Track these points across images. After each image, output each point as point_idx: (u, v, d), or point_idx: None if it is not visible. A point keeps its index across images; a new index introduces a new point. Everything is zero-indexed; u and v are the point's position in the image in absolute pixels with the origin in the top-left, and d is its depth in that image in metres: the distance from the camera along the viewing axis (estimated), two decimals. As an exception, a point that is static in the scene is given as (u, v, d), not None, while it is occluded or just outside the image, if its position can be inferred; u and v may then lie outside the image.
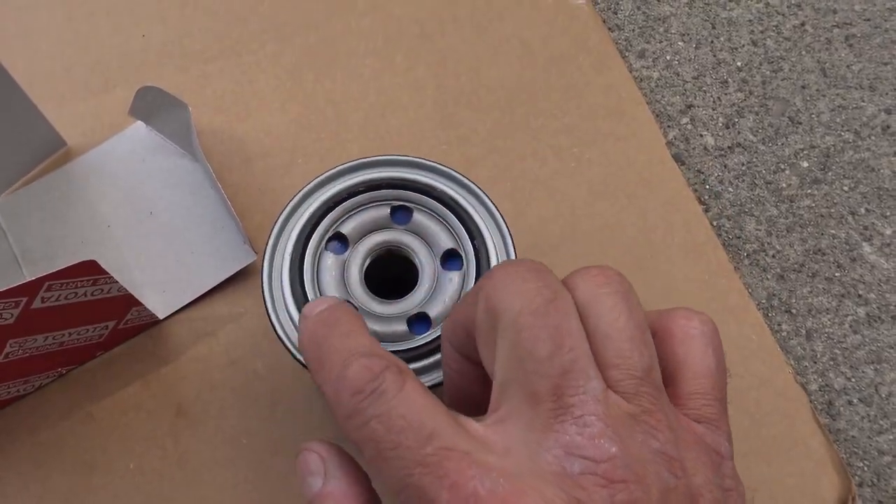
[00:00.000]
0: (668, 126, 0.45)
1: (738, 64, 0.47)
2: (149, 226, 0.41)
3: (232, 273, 0.39)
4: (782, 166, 0.44)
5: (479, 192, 0.30)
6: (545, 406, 0.18)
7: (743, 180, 0.44)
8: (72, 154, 0.43)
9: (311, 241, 0.29)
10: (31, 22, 0.46)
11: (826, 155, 0.44)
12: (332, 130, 0.43)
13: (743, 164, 0.44)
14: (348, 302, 0.29)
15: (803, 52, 0.47)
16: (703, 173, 0.44)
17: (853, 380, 0.39)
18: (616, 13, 0.48)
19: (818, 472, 0.35)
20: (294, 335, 0.28)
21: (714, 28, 0.48)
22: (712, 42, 0.47)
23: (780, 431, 0.36)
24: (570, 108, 0.44)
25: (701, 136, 0.45)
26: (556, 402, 0.18)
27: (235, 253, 0.39)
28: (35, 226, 0.41)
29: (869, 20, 0.48)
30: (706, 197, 0.43)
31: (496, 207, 0.30)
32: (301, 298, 0.28)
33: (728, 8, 0.48)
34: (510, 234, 0.30)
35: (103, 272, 0.31)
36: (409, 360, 0.27)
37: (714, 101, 0.46)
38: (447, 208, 0.30)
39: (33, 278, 0.28)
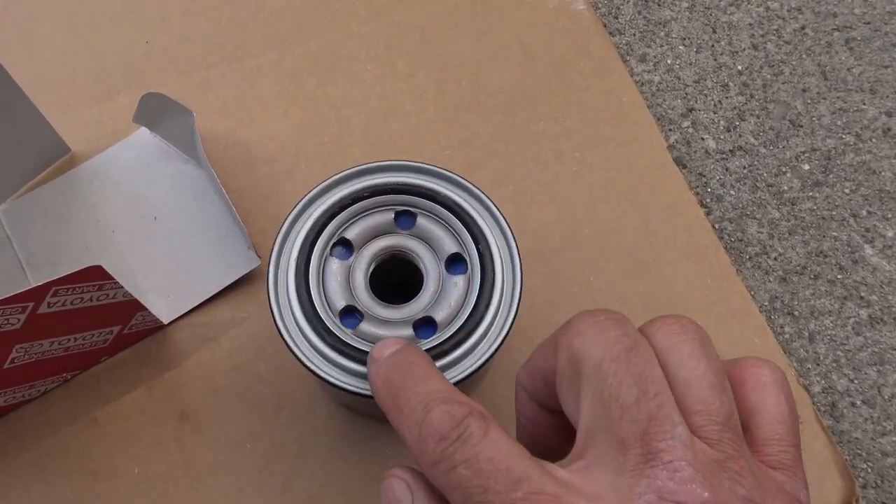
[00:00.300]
0: (670, 130, 0.45)
1: (739, 67, 0.47)
2: (153, 231, 0.41)
3: (236, 278, 0.39)
4: (784, 169, 0.44)
5: (482, 197, 0.30)
6: (634, 451, 0.19)
7: (744, 183, 0.44)
8: (76, 160, 0.43)
9: (316, 246, 0.30)
10: (34, 30, 0.47)
11: (827, 158, 0.44)
12: (334, 135, 0.43)
13: (744, 168, 0.44)
14: (355, 308, 0.29)
15: (804, 56, 0.47)
16: (704, 177, 0.44)
17: (856, 382, 0.39)
18: (617, 18, 0.49)
19: (822, 474, 0.35)
20: (300, 341, 0.28)
21: (715, 32, 0.48)
22: (713, 46, 0.48)
23: (783, 434, 0.36)
24: (571, 112, 0.44)
25: (702, 139, 0.45)
26: (644, 448, 0.19)
27: (239, 258, 0.39)
28: (39, 231, 0.41)
29: (869, 23, 0.48)
30: (708, 200, 0.43)
31: (500, 211, 0.30)
32: (307, 304, 0.28)
33: (728, 12, 0.49)
34: (514, 239, 0.30)
35: (109, 277, 0.31)
36: None
37: (715, 105, 0.46)
38: (451, 213, 0.30)
39: (40, 283, 0.29)
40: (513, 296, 0.29)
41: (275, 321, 0.28)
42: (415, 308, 0.29)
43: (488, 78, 0.45)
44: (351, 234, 0.30)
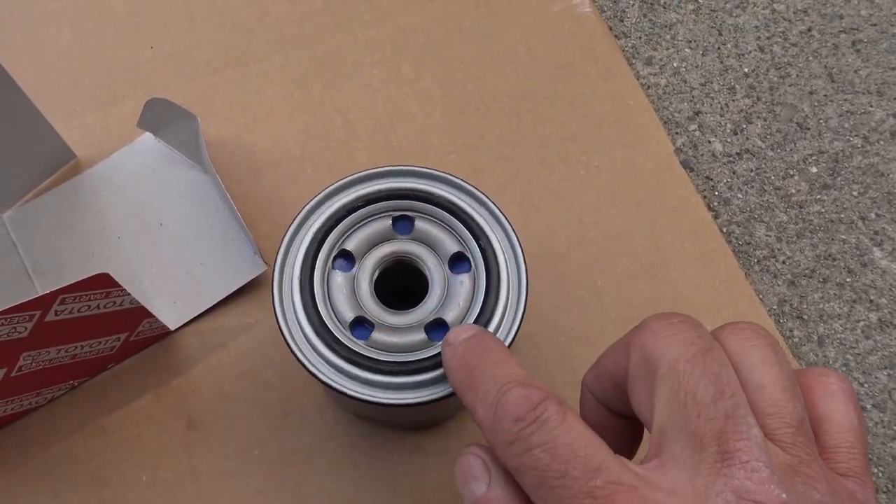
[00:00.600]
0: (676, 133, 0.45)
1: (746, 70, 0.47)
2: (158, 237, 0.41)
3: (242, 284, 0.39)
4: (791, 172, 0.44)
5: (476, 193, 0.30)
6: (710, 450, 0.19)
7: (752, 186, 0.44)
8: (81, 166, 0.43)
9: (318, 261, 0.29)
10: (39, 35, 0.46)
11: (835, 160, 0.44)
12: (340, 139, 0.43)
13: (752, 171, 0.44)
14: (365, 319, 0.29)
15: (810, 58, 0.47)
16: (711, 180, 0.44)
17: (866, 385, 0.39)
18: (622, 21, 0.48)
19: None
20: (314, 358, 0.28)
21: (721, 35, 0.48)
22: (719, 49, 0.47)
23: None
24: (577, 115, 0.44)
25: (709, 142, 0.45)
26: (721, 447, 0.19)
27: (245, 263, 0.39)
28: (45, 238, 0.41)
29: (875, 25, 0.48)
30: (715, 204, 0.43)
31: (495, 205, 0.30)
32: (317, 322, 0.28)
33: (734, 14, 0.48)
34: (513, 230, 0.30)
35: (116, 285, 0.31)
36: (432, 368, 0.27)
37: (722, 108, 0.46)
38: (448, 212, 0.30)
39: (47, 292, 0.29)
40: (520, 288, 0.29)
41: (287, 342, 0.28)
42: (424, 311, 0.29)
43: (494, 81, 0.45)
44: (351, 245, 0.30)
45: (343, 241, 0.30)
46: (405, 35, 0.46)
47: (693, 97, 0.46)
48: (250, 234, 0.38)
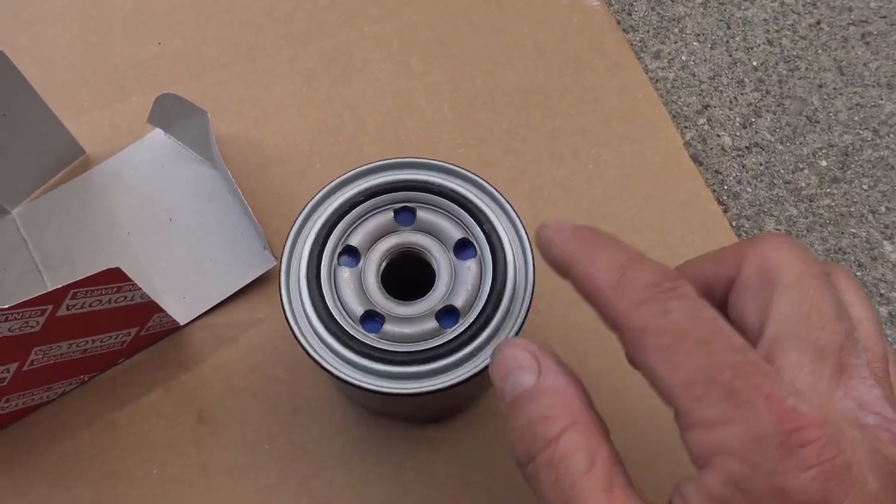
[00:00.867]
0: (685, 127, 0.45)
1: (755, 63, 0.47)
2: (168, 232, 0.41)
3: (252, 279, 0.39)
4: (801, 165, 0.44)
5: (475, 178, 0.30)
6: (830, 360, 0.19)
7: (761, 180, 0.43)
8: (91, 162, 0.43)
9: (324, 259, 0.29)
10: (47, 33, 0.47)
11: (845, 154, 0.44)
12: (349, 134, 0.43)
13: (761, 164, 0.44)
14: (375, 312, 0.29)
15: (819, 51, 0.47)
16: (721, 173, 0.44)
17: (877, 379, 0.39)
18: (630, 14, 0.48)
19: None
20: (327, 355, 0.28)
21: (729, 28, 0.48)
22: (728, 42, 0.47)
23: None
24: (586, 109, 0.44)
25: (718, 136, 0.45)
26: (841, 360, 0.19)
27: (255, 258, 0.39)
28: (54, 233, 0.41)
29: (885, 17, 0.48)
30: (724, 197, 0.43)
31: (494, 188, 0.30)
32: (327, 318, 0.28)
33: (743, 7, 0.48)
34: (515, 212, 0.30)
35: (127, 279, 0.31)
36: (444, 355, 0.27)
37: (731, 101, 0.45)
38: (449, 200, 0.30)
39: (59, 286, 0.29)
40: (526, 269, 0.29)
41: (298, 341, 0.28)
42: (433, 300, 0.29)
43: (502, 75, 0.45)
44: (355, 240, 0.30)
45: (347, 237, 0.30)
46: (414, 30, 0.46)
47: (702, 91, 0.46)
48: (260, 228, 0.38)
